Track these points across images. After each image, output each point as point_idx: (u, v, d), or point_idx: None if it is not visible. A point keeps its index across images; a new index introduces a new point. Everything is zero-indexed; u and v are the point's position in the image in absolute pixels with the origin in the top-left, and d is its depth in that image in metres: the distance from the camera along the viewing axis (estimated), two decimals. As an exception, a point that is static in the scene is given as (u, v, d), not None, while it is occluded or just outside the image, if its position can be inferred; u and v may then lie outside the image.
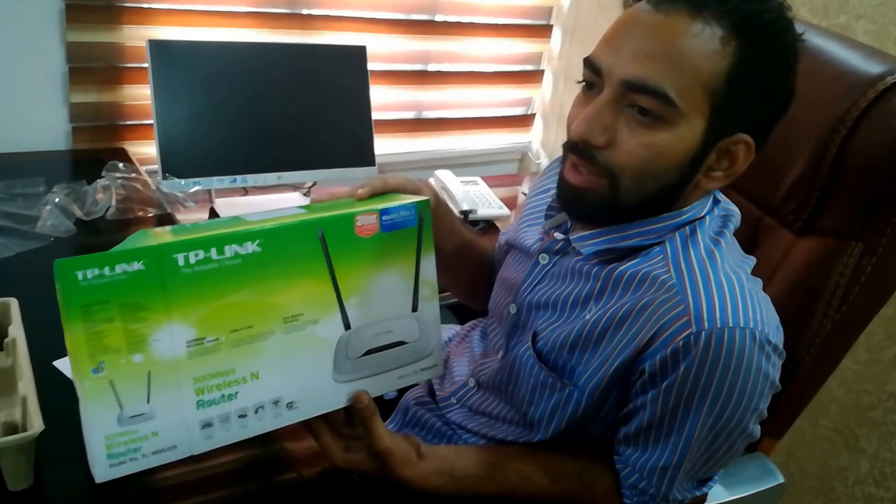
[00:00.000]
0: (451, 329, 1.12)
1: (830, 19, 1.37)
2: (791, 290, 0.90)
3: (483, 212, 1.61)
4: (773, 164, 0.91)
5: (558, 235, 0.84)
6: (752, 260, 0.79)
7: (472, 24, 1.89)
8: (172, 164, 1.33)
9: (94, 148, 1.50)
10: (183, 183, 1.34)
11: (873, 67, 0.86)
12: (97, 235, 1.18)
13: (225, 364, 0.62)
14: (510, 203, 1.71)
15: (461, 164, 1.99)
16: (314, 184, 1.61)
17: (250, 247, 0.61)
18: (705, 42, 0.66)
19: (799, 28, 0.69)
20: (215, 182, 1.40)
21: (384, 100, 1.81)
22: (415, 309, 0.73)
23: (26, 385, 0.70)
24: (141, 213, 1.26)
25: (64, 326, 0.55)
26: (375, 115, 1.56)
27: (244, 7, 1.57)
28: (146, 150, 1.54)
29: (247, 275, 0.61)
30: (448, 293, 1.07)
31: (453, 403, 0.95)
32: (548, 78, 2.08)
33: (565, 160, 0.75)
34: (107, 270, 0.55)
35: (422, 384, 1.01)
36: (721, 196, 0.80)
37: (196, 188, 1.35)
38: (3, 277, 1.01)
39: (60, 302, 0.55)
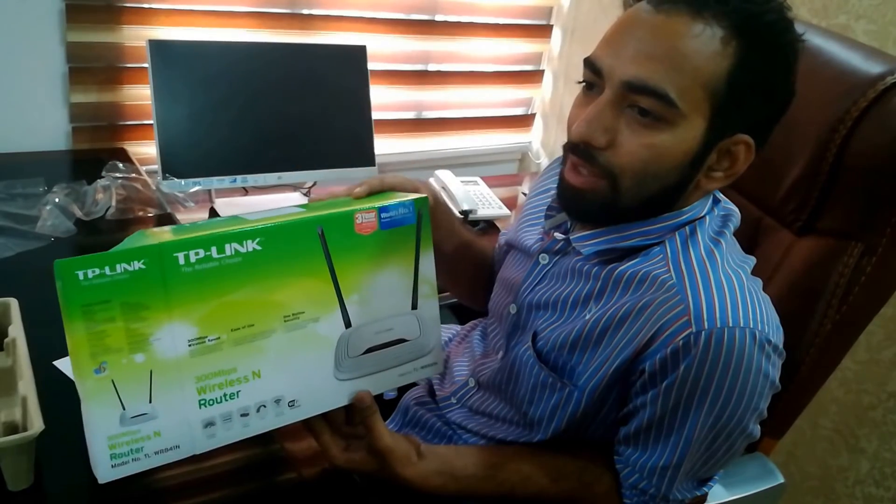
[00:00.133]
0: (452, 329, 1.12)
1: (830, 19, 1.37)
2: (791, 290, 0.90)
3: (483, 212, 1.61)
4: (773, 164, 0.91)
5: (558, 235, 0.84)
6: (752, 260, 0.79)
7: (472, 24, 1.90)
8: (172, 164, 1.33)
9: (94, 148, 1.50)
10: (183, 183, 1.34)
11: (873, 67, 0.86)
12: (97, 235, 1.18)
13: (226, 363, 0.62)
14: (510, 203, 1.71)
15: (461, 164, 1.99)
16: (314, 184, 1.61)
17: (250, 245, 0.61)
18: (706, 43, 0.66)
19: (799, 28, 0.70)
20: (215, 182, 1.40)
21: (384, 100, 1.81)
22: (414, 306, 0.73)
23: (26, 385, 0.70)
24: (141, 214, 1.26)
25: (65, 326, 0.55)
26: (375, 115, 1.56)
27: (244, 7, 1.57)
28: (146, 150, 1.54)
29: (247, 273, 0.61)
30: (448, 293, 1.07)
31: (453, 403, 0.95)
32: (548, 78, 2.08)
33: (565, 161, 0.75)
34: (107, 270, 0.55)
35: (422, 384, 1.01)
36: (721, 196, 0.80)
37: (196, 188, 1.35)
38: (3, 277, 1.01)
39: (61, 302, 0.55)
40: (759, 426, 0.74)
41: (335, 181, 1.56)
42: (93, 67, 1.47)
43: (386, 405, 0.98)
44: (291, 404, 0.66)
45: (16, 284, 0.86)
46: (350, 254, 0.67)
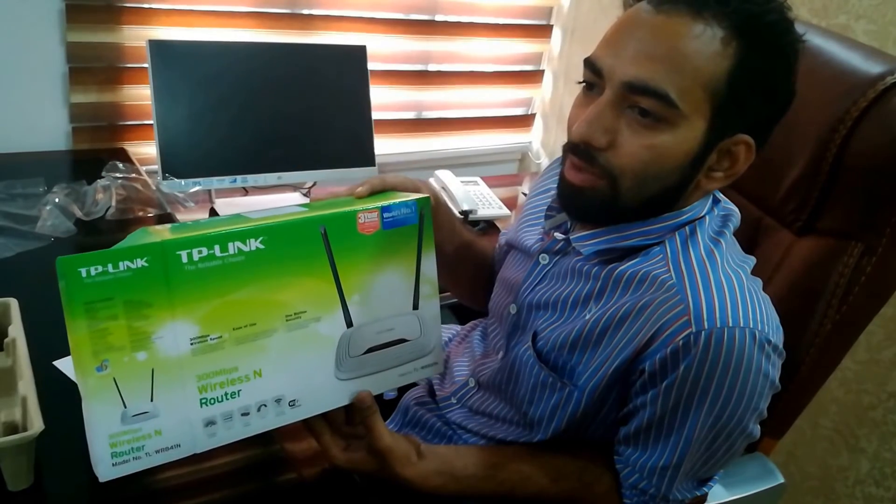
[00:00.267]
0: (452, 329, 1.12)
1: (830, 19, 1.37)
2: (791, 290, 0.90)
3: (483, 212, 1.61)
4: (773, 164, 0.91)
5: (558, 235, 0.84)
6: (752, 260, 0.79)
7: (472, 24, 1.90)
8: (172, 164, 1.33)
9: (94, 148, 1.50)
10: (183, 183, 1.34)
11: (873, 67, 0.86)
12: (97, 236, 1.18)
13: (228, 362, 0.62)
14: (510, 203, 1.71)
15: (461, 164, 1.99)
16: (314, 184, 1.61)
17: (253, 244, 0.61)
18: (706, 43, 0.66)
19: (799, 28, 0.70)
20: (215, 182, 1.40)
21: (384, 100, 1.81)
22: (416, 306, 0.73)
23: (26, 385, 0.70)
24: (141, 214, 1.26)
25: (67, 324, 0.55)
26: (375, 115, 1.56)
27: (244, 7, 1.57)
28: (146, 151, 1.54)
29: (250, 272, 0.61)
30: (448, 293, 1.07)
31: (453, 403, 0.95)
32: (548, 78, 2.08)
33: (566, 161, 0.75)
34: (110, 267, 0.55)
35: (422, 384, 1.01)
36: (721, 196, 0.81)
37: (196, 188, 1.35)
38: (3, 277, 1.01)
39: (63, 299, 0.54)
40: (759, 426, 0.74)
41: (335, 181, 1.56)
42: (93, 67, 1.47)
43: (386, 405, 0.98)
44: (292, 404, 0.66)
45: (16, 284, 0.86)
46: (352, 253, 0.67)
